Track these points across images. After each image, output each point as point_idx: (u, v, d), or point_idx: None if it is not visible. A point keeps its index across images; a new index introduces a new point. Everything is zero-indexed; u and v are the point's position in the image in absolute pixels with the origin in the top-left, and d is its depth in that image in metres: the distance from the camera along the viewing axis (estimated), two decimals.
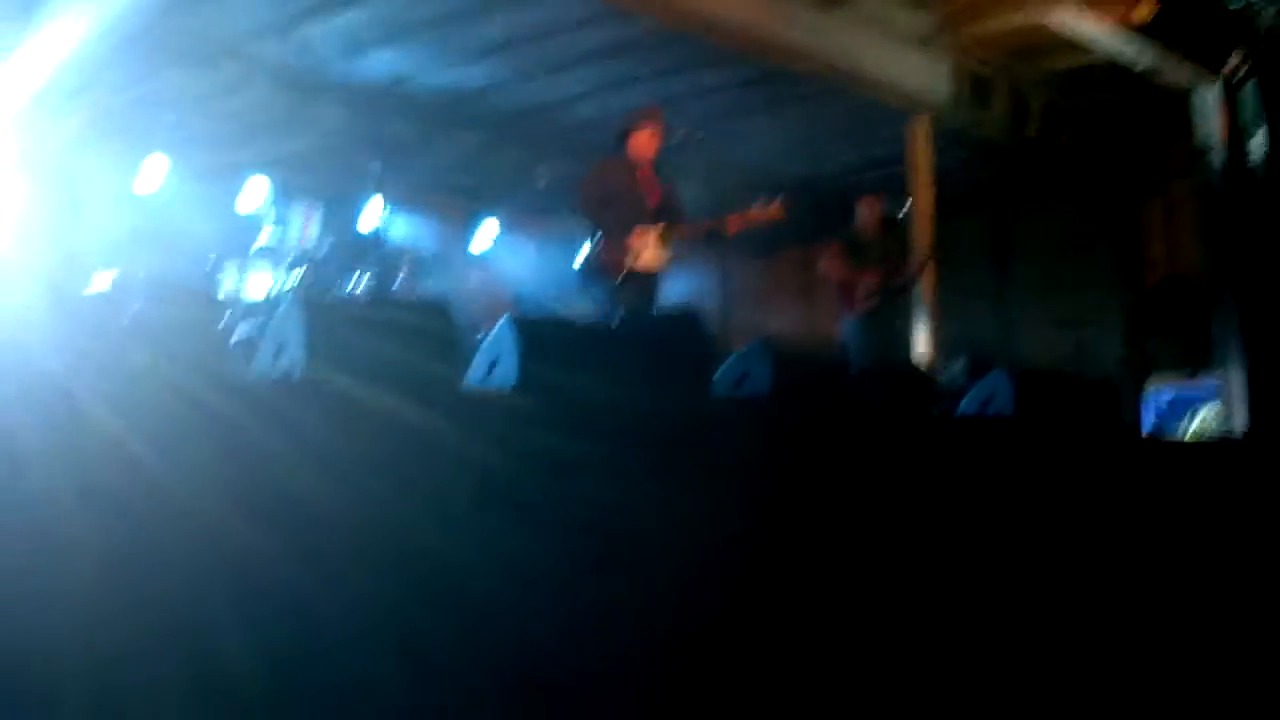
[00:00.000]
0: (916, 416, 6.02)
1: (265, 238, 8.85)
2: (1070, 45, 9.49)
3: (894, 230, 9.14)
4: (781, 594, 4.43)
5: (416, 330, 4.56)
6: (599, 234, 7.10)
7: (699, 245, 7.37)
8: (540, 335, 5.10)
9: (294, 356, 4.42)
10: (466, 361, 4.94)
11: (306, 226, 8.64)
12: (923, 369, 7.22)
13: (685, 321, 6.21)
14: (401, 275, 9.27)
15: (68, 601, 2.85)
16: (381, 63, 9.30)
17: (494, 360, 5.10)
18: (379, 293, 7.51)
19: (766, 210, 7.22)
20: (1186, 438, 9.15)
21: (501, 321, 5.12)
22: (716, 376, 5.68)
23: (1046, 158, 11.25)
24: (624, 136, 7.30)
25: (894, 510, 4.94)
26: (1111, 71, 10.03)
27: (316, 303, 4.54)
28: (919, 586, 4.79)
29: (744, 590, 4.34)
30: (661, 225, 7.12)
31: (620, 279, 7.04)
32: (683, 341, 5.92)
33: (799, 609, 4.43)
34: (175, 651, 2.96)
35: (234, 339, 7.00)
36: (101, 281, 7.42)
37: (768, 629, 4.31)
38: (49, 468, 2.94)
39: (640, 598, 4.04)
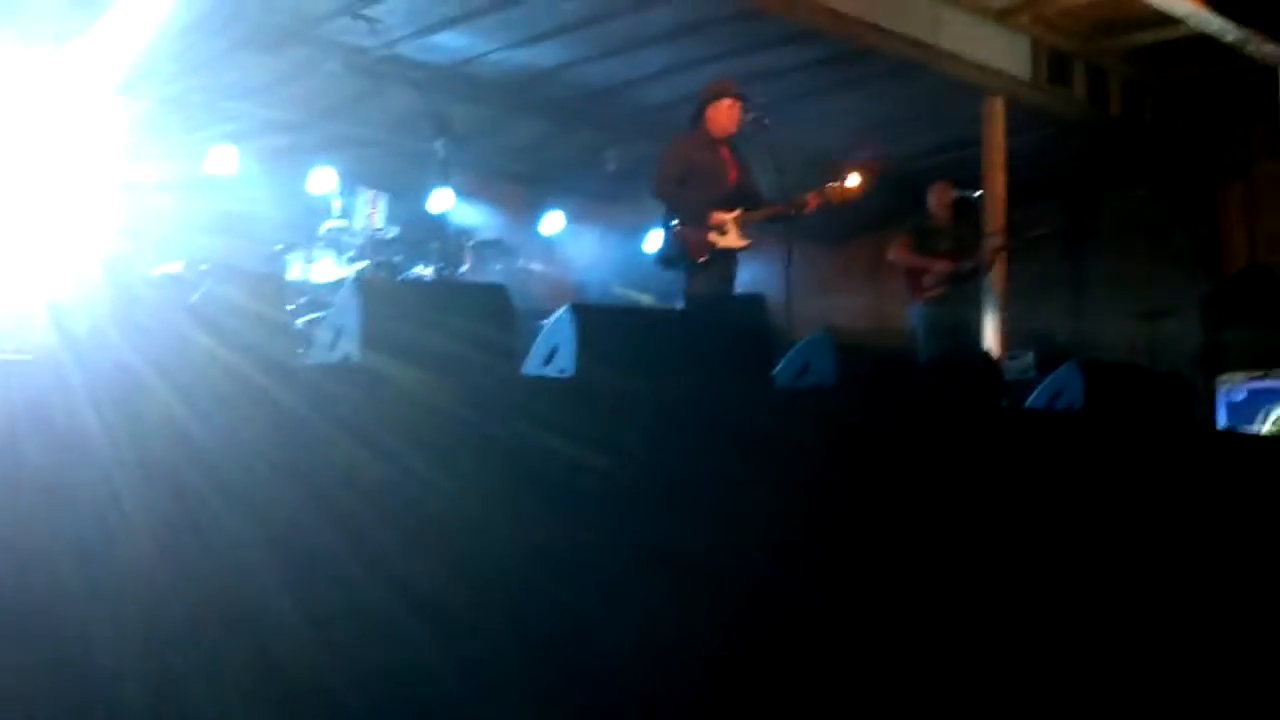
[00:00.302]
0: (983, 409, 5.87)
1: (332, 224, 8.82)
2: (1153, 19, 9.27)
3: (966, 215, 8.96)
4: (846, 589, 4.34)
5: (475, 314, 4.50)
6: (677, 215, 6.95)
7: (772, 228, 7.20)
8: (600, 322, 5.03)
9: (351, 341, 4.38)
10: (526, 347, 4.88)
11: (373, 213, 8.60)
12: (991, 360, 7.05)
13: (752, 308, 6.13)
14: (467, 262, 9.22)
15: (127, 580, 2.86)
16: (450, 43, 9.25)
17: (554, 348, 5.04)
18: (441, 278, 7.45)
19: (844, 190, 7.06)
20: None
21: (562, 309, 5.06)
22: (778, 368, 5.58)
23: (1126, 138, 11.01)
24: (701, 111, 7.14)
25: (960, 506, 4.83)
26: (1195, 47, 9.80)
27: (374, 286, 4.50)
28: (983, 583, 4.69)
29: (806, 586, 4.26)
30: (742, 207, 6.99)
31: (704, 259, 6.90)
32: (748, 329, 5.83)
33: (863, 605, 4.35)
34: (230, 631, 2.97)
35: (298, 324, 7.01)
36: (169, 265, 7.43)
37: (832, 627, 4.23)
38: (114, 447, 2.96)
39: (698, 593, 3.97)
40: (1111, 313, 11.60)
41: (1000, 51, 9.45)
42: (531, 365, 5.21)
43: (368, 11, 7.36)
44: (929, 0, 8.81)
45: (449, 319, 4.42)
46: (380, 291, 4.48)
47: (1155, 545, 5.28)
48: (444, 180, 6.56)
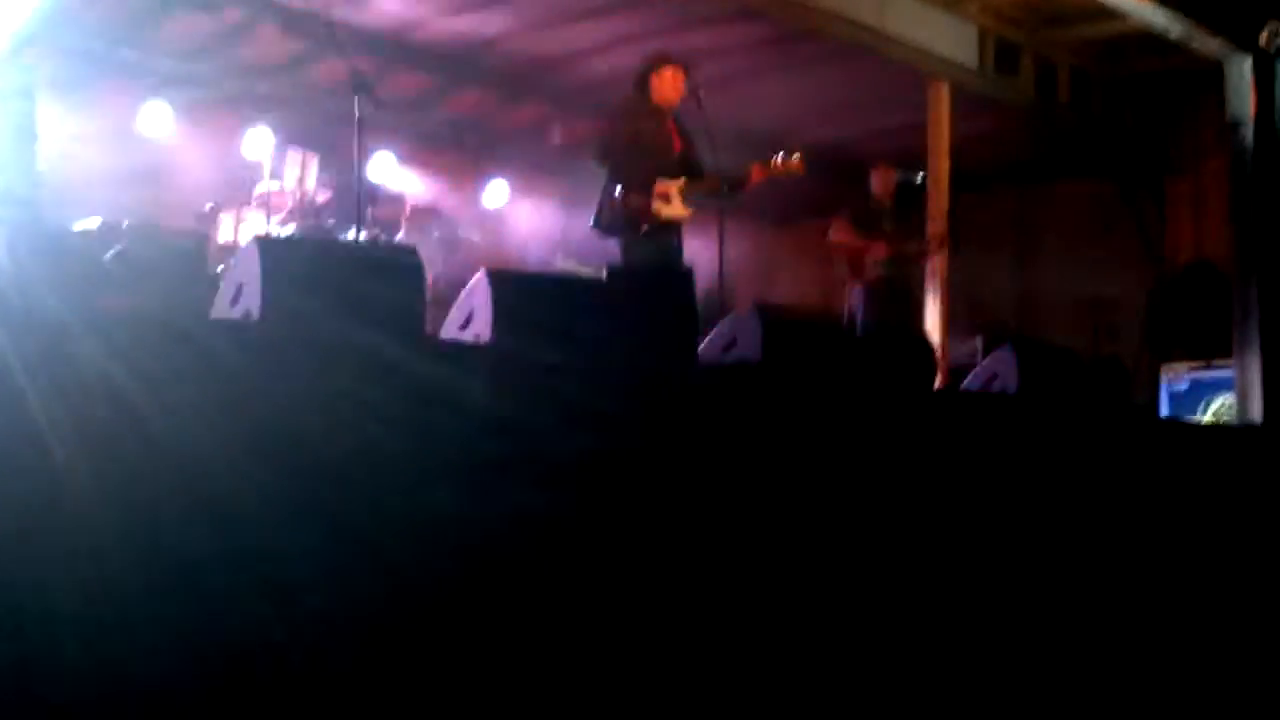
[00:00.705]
0: (914, 390, 5.78)
1: (265, 186, 8.65)
2: (1100, 12, 9.20)
3: (909, 200, 8.87)
4: (768, 572, 4.25)
5: (381, 277, 4.36)
6: (619, 183, 6.78)
7: (716, 201, 7.05)
8: (517, 290, 4.89)
9: (251, 298, 4.23)
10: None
11: (304, 175, 8.43)
12: (925, 341, 6.96)
13: (678, 282, 6.01)
14: (402, 229, 9.06)
15: (63, 532, 2.89)
16: (388, 7, 9.07)
17: (469, 314, 4.90)
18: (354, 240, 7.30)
19: (788, 163, 6.93)
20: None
21: (478, 274, 4.92)
22: (704, 343, 5.46)
23: (1074, 130, 10.96)
24: (645, 78, 6.97)
25: (886, 487, 4.75)
26: (1144, 42, 9.74)
27: (273, 244, 4.35)
28: (910, 568, 4.60)
29: (729, 566, 4.16)
30: (685, 177, 6.83)
31: (645, 230, 6.73)
32: (674, 303, 5.71)
33: (786, 588, 4.25)
34: (165, 583, 2.98)
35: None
36: (88, 221, 7.23)
37: (753, 608, 4.13)
38: (44, 400, 2.97)
39: (614, 568, 3.87)
40: (1059, 301, 11.60)
41: (947, 38, 9.36)
42: (447, 331, 5.07)
43: None
44: None
45: (352, 280, 4.28)
46: (280, 249, 4.34)
47: (1090, 530, 5.23)
48: (361, 140, 6.38)
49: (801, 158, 6.94)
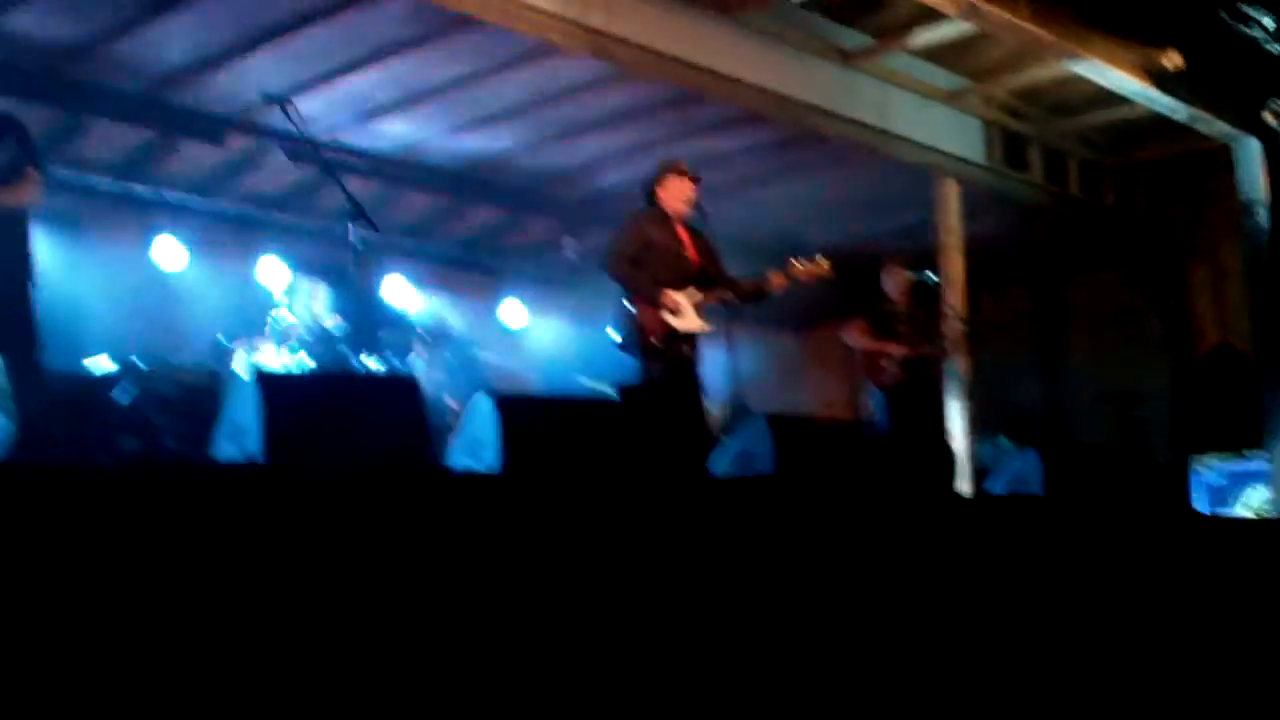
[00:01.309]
0: (936, 494, 5.67)
1: (278, 314, 8.64)
2: (1105, 99, 9.19)
3: (925, 300, 8.77)
4: (791, 686, 4.12)
5: (382, 407, 4.30)
6: (633, 296, 6.69)
7: (736, 309, 6.92)
8: (525, 414, 4.82)
9: (252, 438, 4.17)
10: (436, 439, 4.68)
11: (314, 302, 8.42)
12: (945, 443, 6.83)
13: (682, 398, 5.91)
14: (416, 352, 9.02)
15: None
16: (393, 130, 9.14)
17: (476, 441, 4.83)
18: (355, 370, 7.27)
19: (815, 265, 6.81)
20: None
21: (480, 399, 4.85)
22: (715, 457, 5.37)
23: (1089, 221, 10.91)
24: (652, 188, 6.93)
25: (912, 595, 4.62)
26: (1151, 127, 9.73)
27: (273, 381, 4.29)
28: (939, 679, 4.46)
29: (749, 683, 4.04)
30: (701, 286, 6.73)
31: (661, 342, 6.62)
32: (678, 419, 5.62)
33: (811, 701, 4.12)
34: None
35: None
36: (99, 359, 7.22)
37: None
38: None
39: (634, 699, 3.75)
40: (1085, 396, 11.47)
41: (952, 133, 9.36)
42: (455, 456, 4.99)
43: (301, 101, 7.21)
44: (877, 82, 8.70)
45: (354, 413, 4.22)
46: (281, 385, 4.28)
47: (1129, 633, 5.08)
48: (357, 268, 6.38)
49: (829, 259, 6.83)
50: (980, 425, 10.00)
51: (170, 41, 7.67)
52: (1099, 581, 5.21)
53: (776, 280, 6.76)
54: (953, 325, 8.90)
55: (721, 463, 5.26)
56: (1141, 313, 11.61)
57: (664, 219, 6.82)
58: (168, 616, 2.93)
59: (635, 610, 3.94)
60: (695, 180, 6.89)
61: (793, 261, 6.79)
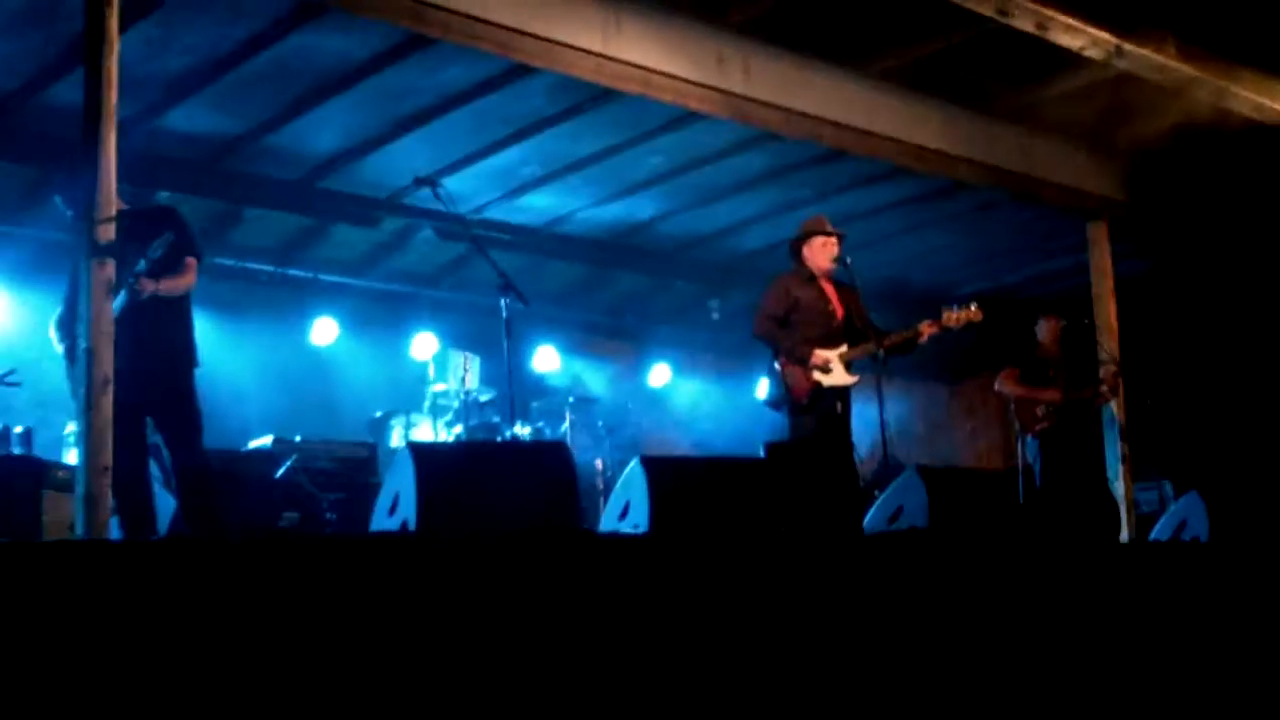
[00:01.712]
0: (1096, 544, 5.55)
1: (430, 391, 8.86)
2: (1250, 132, 8.91)
3: (1076, 345, 8.61)
4: None
5: (533, 475, 4.37)
6: (779, 355, 6.73)
7: (885, 362, 6.87)
8: (672, 475, 4.86)
9: (408, 506, 4.27)
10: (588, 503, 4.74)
11: (467, 374, 8.60)
12: (1107, 491, 6.68)
13: (832, 454, 5.86)
14: (567, 419, 9.15)
15: None
16: (538, 203, 9.31)
17: (626, 503, 4.88)
18: (515, 438, 7.37)
19: (965, 312, 6.75)
20: None
21: (632, 462, 4.91)
22: (870, 513, 5.34)
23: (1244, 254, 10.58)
24: (797, 248, 6.99)
25: (1071, 647, 4.51)
26: None
27: (427, 451, 4.39)
28: None
29: None
30: (850, 340, 6.73)
31: (805, 400, 6.62)
32: (830, 475, 5.57)
33: None
34: None
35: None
36: (261, 440, 7.46)
37: None
38: None
39: None
40: (1254, 435, 11.08)
41: (1098, 174, 9.17)
42: (606, 520, 5.05)
43: (449, 180, 7.41)
44: (1018, 128, 8.59)
45: (505, 479, 4.29)
46: (434, 456, 4.38)
47: None
48: (507, 338, 6.50)
49: (979, 305, 6.77)
50: (1145, 472, 9.75)
51: (321, 131, 7.93)
52: (1264, 623, 5.04)
53: (927, 329, 6.71)
54: (1108, 369, 8.71)
55: (876, 517, 5.23)
56: None
57: (809, 277, 6.85)
58: (326, 679, 3.01)
59: (792, 664, 3.92)
60: (840, 236, 6.91)
61: (944, 310, 6.74)
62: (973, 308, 6.73)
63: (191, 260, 5.53)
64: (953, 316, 6.71)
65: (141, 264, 5.22)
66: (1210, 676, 4.69)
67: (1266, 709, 4.73)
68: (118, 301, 5.09)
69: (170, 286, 5.39)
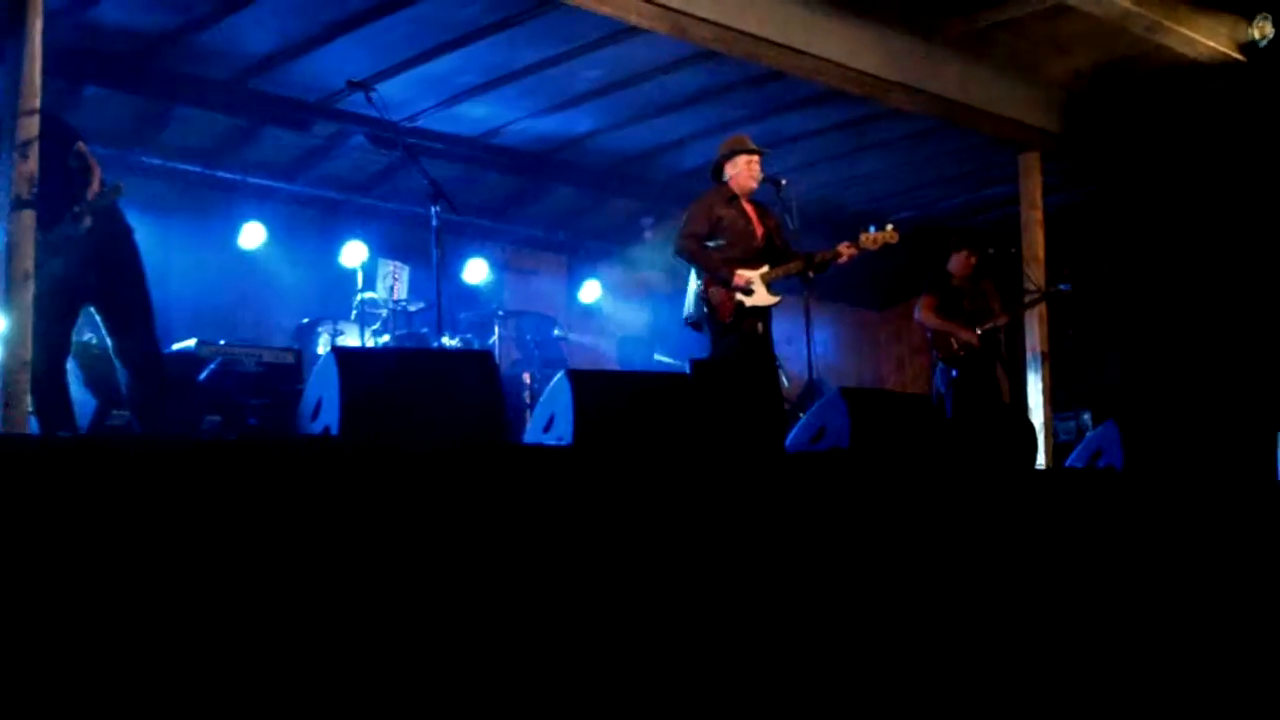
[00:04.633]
0: (1015, 469, 5.64)
1: (359, 299, 8.79)
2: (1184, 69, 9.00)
3: (992, 274, 8.72)
4: (861, 661, 4.13)
5: (458, 383, 4.36)
6: (701, 275, 6.78)
7: (808, 283, 6.96)
8: (597, 389, 4.87)
9: (331, 412, 4.25)
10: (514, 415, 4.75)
11: (396, 284, 8.55)
12: (1025, 419, 6.79)
13: (758, 373, 5.91)
14: (496, 332, 9.12)
15: None
16: (474, 113, 9.21)
17: (551, 415, 4.89)
18: (435, 347, 7.36)
19: (882, 234, 6.83)
20: None
21: (558, 377, 4.91)
22: (792, 433, 5.39)
23: (1173, 189, 10.72)
24: (720, 168, 7.02)
25: (988, 570, 4.60)
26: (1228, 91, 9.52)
27: (352, 356, 4.36)
28: (1014, 653, 4.45)
29: (822, 659, 4.06)
30: (771, 261, 6.79)
31: (731, 319, 6.67)
32: (753, 394, 5.61)
33: (879, 674, 4.13)
34: None
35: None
36: (185, 342, 7.38)
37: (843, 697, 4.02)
38: None
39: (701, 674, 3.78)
40: (1171, 368, 11.29)
41: (1033, 106, 9.22)
42: (531, 433, 5.06)
43: (383, 86, 7.31)
44: (957, 56, 8.60)
45: (430, 388, 4.28)
46: (359, 361, 4.36)
47: (1219, 608, 5.03)
48: (438, 248, 6.46)
49: (896, 227, 6.85)
50: (1064, 401, 9.91)
51: (254, 30, 7.77)
52: (1178, 554, 5.16)
53: (846, 251, 6.80)
54: (1032, 299, 8.84)
55: (799, 437, 5.28)
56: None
57: (732, 197, 6.88)
58: (239, 582, 3.02)
59: (707, 580, 3.97)
60: (761, 155, 6.94)
61: (862, 233, 6.83)
62: (889, 229, 6.83)
63: (80, 144, 5.33)
64: (870, 239, 6.81)
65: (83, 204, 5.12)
66: (1120, 600, 4.80)
67: (1170, 629, 4.86)
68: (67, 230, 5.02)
69: (94, 191, 5.27)
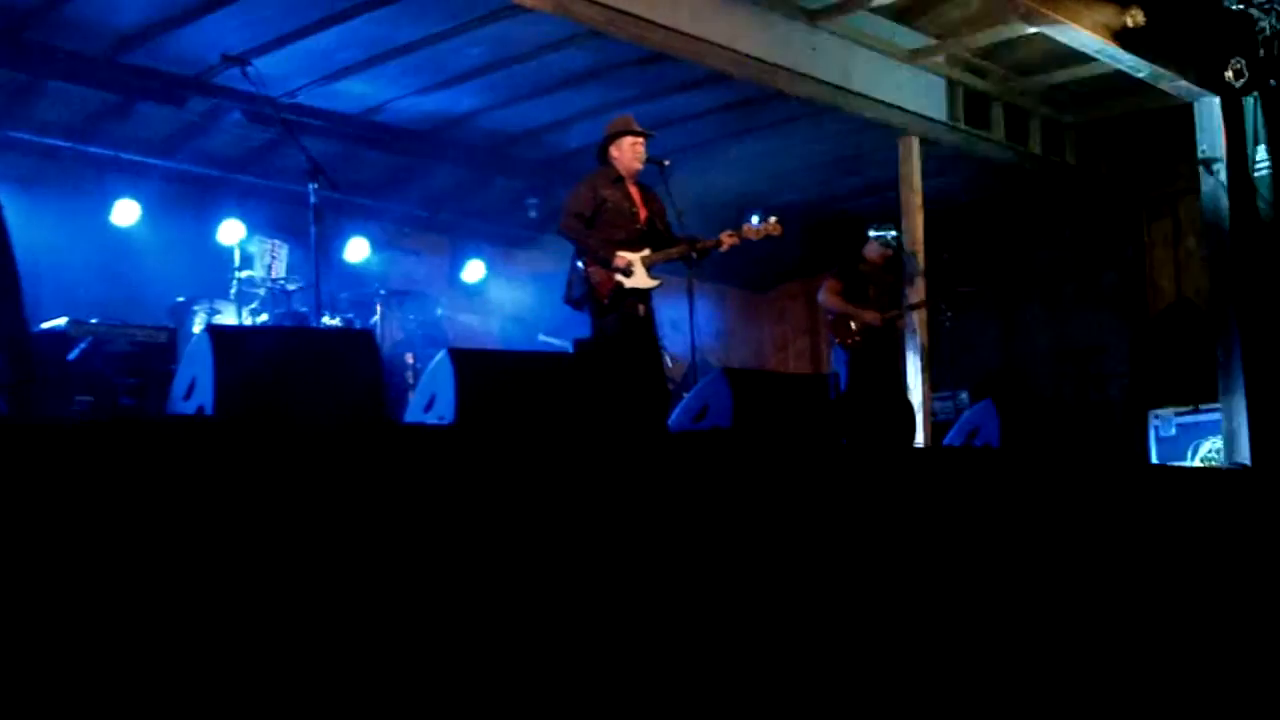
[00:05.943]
0: (894, 447, 5.72)
1: (238, 277, 8.61)
2: (1067, 58, 9.21)
3: (896, 263, 8.88)
4: (744, 645, 4.15)
5: (336, 362, 4.31)
6: (584, 255, 6.79)
7: (693, 267, 7.01)
8: (479, 368, 4.84)
9: (205, 392, 4.17)
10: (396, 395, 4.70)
11: (274, 263, 8.39)
12: (905, 399, 6.90)
13: (639, 354, 5.93)
14: (378, 312, 9.00)
15: None
16: (353, 90, 9.08)
17: (433, 394, 4.85)
18: (304, 326, 7.27)
19: (765, 227, 6.90)
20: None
21: (439, 357, 4.88)
22: (675, 412, 5.41)
23: (1049, 179, 10.95)
24: (605, 149, 7.02)
25: (868, 547, 4.65)
26: (1113, 86, 9.76)
27: (226, 336, 4.28)
28: (893, 629, 4.50)
29: (706, 645, 4.07)
30: (653, 244, 6.82)
31: (608, 300, 6.68)
32: (635, 375, 5.62)
33: (764, 657, 4.15)
34: None
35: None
36: (55, 320, 7.19)
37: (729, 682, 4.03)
38: None
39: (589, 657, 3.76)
40: (1044, 351, 11.55)
41: (915, 92, 9.35)
42: (412, 412, 5.02)
43: (260, 61, 7.17)
44: (840, 41, 8.68)
45: (308, 367, 4.22)
46: (233, 340, 4.28)
47: (1082, 581, 5.13)
48: (316, 225, 6.37)
49: (779, 221, 6.94)
50: (941, 382, 10.08)
51: (128, 2, 7.58)
52: (1052, 531, 5.27)
53: (728, 239, 6.87)
54: (916, 284, 8.99)
55: (681, 417, 5.30)
56: (1100, 269, 11.67)
57: (616, 178, 6.89)
58: (110, 571, 2.94)
59: (588, 562, 3.96)
60: (647, 136, 6.96)
61: (745, 224, 6.91)
62: (772, 221, 6.93)
63: None
64: (753, 230, 6.92)
65: None
66: (995, 575, 4.89)
67: (1043, 605, 4.96)
68: None
69: None
